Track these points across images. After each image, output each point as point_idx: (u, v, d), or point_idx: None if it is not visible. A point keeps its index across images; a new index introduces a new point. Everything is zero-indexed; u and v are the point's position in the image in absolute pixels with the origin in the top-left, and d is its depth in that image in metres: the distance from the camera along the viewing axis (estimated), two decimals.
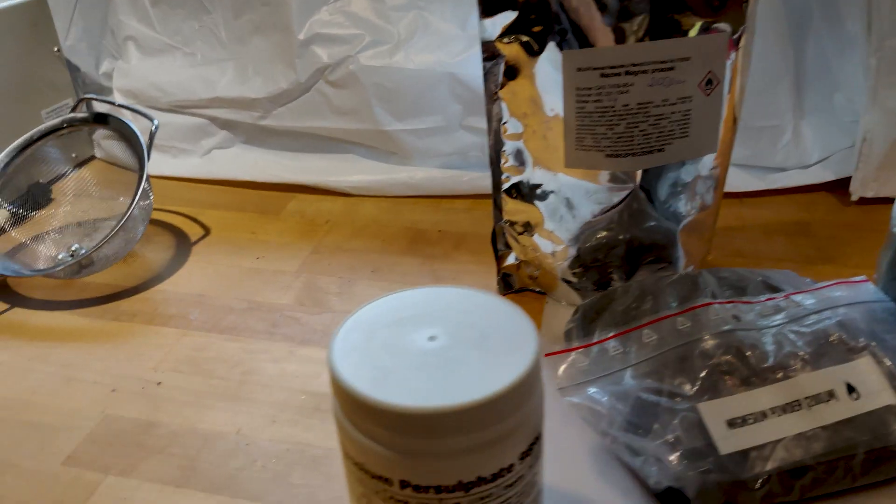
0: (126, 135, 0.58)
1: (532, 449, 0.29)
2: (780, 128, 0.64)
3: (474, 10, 0.45)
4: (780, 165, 0.65)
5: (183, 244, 0.61)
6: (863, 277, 0.44)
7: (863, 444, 0.36)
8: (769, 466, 0.35)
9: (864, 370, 0.38)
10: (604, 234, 0.49)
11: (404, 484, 0.27)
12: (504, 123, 0.48)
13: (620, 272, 0.50)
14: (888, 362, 0.38)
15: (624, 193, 0.48)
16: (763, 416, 0.36)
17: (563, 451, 0.38)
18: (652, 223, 0.49)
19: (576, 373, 0.38)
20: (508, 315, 0.30)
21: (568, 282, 0.51)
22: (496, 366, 0.27)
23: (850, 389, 0.37)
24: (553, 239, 0.50)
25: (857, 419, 0.36)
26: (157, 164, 0.71)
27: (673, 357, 0.38)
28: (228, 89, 0.69)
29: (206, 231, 0.63)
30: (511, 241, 0.52)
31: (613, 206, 0.48)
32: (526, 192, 0.49)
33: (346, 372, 0.27)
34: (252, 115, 0.69)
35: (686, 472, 0.34)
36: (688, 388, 0.36)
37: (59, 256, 0.58)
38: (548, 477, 0.35)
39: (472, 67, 0.63)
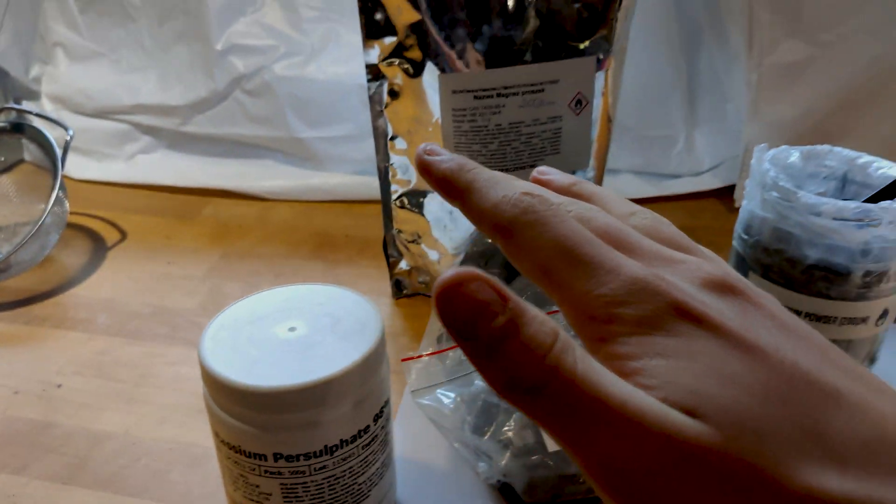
0: (42, 143, 0.61)
1: (383, 411, 0.34)
2: (672, 137, 0.68)
3: None
4: (673, 172, 0.69)
5: (99, 249, 0.64)
6: None
7: None
8: None
9: None
10: (484, 244, 0.53)
11: (277, 456, 0.31)
12: (391, 139, 0.51)
13: (501, 279, 0.54)
14: None
15: None
16: None
17: (422, 447, 0.42)
18: None
19: (427, 376, 0.41)
20: (357, 304, 0.35)
21: None
22: (348, 346, 0.32)
23: None
24: (438, 248, 0.53)
25: None
26: (81, 169, 0.73)
27: None
28: (151, 96, 0.71)
29: (123, 235, 0.65)
30: (402, 249, 0.55)
31: None
32: (413, 204, 0.53)
33: (217, 365, 0.31)
34: (173, 122, 0.71)
35: (514, 467, 0.37)
36: None
37: None
38: (408, 461, 0.38)
39: None
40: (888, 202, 0.40)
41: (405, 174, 0.52)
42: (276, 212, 0.68)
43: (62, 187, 0.59)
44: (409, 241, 0.54)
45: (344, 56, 0.66)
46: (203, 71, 0.69)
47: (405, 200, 0.53)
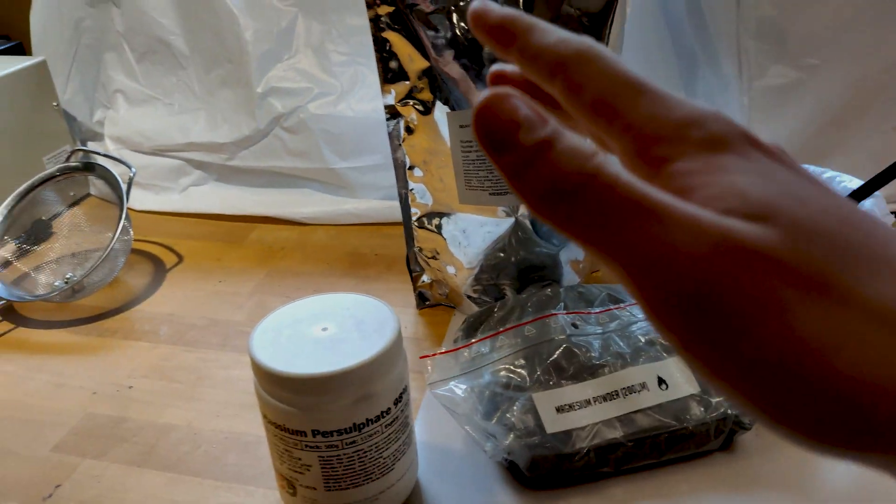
0: (109, 180, 0.69)
1: (402, 397, 0.41)
2: None
3: None
4: None
5: (160, 271, 0.72)
6: None
7: (667, 426, 0.45)
8: (587, 443, 0.44)
9: (674, 366, 0.47)
10: (496, 257, 0.59)
11: (315, 433, 0.38)
12: (409, 169, 0.58)
13: (512, 289, 0.60)
14: None
15: (509, 223, 0.58)
16: (587, 403, 0.46)
17: (441, 433, 0.48)
18: (536, 248, 0.59)
19: (442, 371, 0.48)
20: (377, 308, 0.42)
21: (471, 297, 0.61)
22: (369, 342, 0.39)
23: (661, 382, 0.47)
24: (455, 263, 0.60)
25: (664, 405, 0.46)
26: (141, 201, 0.82)
27: (521, 357, 0.48)
28: (201, 135, 0.80)
29: (180, 259, 0.73)
30: (423, 264, 0.62)
31: (502, 235, 0.58)
32: (431, 224, 0.60)
33: (264, 358, 0.39)
34: (221, 157, 0.80)
35: (517, 447, 0.44)
36: (527, 382, 0.46)
37: (56, 283, 0.69)
38: (429, 443, 0.45)
39: None
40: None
41: (423, 198, 0.59)
42: (315, 235, 0.76)
43: (127, 218, 0.67)
44: (429, 258, 0.61)
45: (370, 95, 0.74)
46: (246, 111, 0.78)
47: (424, 221, 0.60)
